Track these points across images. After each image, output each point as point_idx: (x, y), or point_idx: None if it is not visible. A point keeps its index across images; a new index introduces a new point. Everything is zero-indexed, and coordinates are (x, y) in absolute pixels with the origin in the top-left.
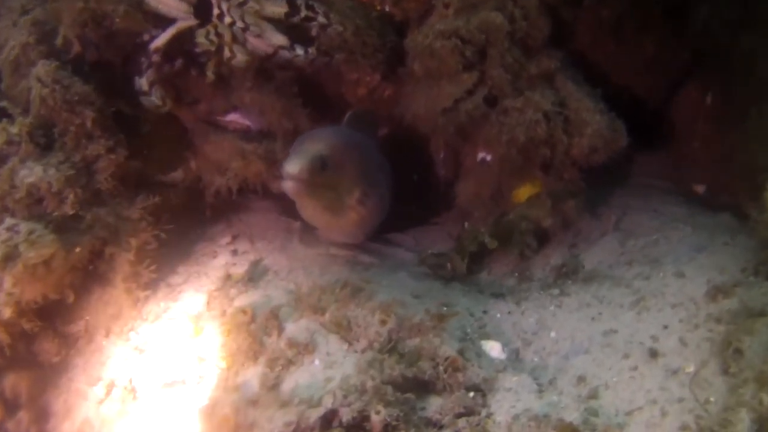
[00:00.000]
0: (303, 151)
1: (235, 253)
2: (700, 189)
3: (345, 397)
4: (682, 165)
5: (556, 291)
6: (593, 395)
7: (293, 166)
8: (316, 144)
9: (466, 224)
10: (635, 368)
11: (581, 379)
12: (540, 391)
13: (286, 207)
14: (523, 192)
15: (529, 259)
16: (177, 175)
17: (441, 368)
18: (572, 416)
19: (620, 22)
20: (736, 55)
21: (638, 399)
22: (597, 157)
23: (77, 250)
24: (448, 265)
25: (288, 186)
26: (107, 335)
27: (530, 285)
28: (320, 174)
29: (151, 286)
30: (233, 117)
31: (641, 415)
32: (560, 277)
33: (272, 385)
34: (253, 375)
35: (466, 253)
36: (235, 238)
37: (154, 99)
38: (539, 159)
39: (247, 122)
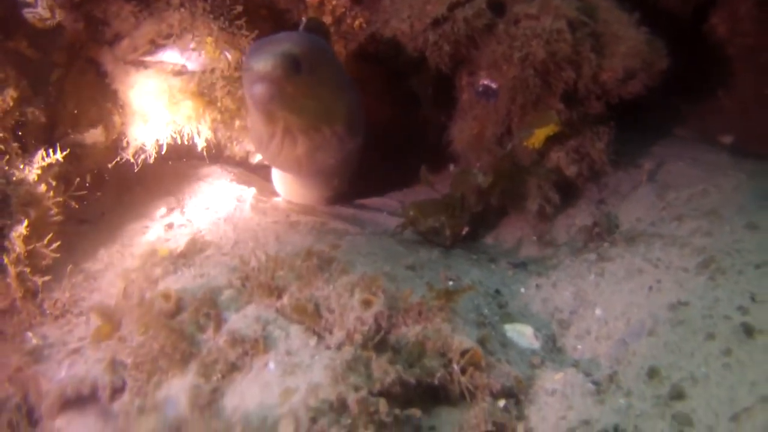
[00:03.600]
0: (269, 50)
1: (170, 227)
2: (727, 139)
3: (313, 420)
4: (707, 112)
5: (592, 256)
6: (678, 395)
7: (262, 63)
8: (281, 44)
9: (452, 167)
10: (728, 352)
11: (654, 372)
12: (598, 392)
13: (240, 175)
14: (540, 132)
15: (549, 218)
16: (96, 132)
17: (456, 367)
18: (657, 429)
19: None
20: None
21: (742, 396)
22: (633, 84)
23: None
24: (446, 229)
25: (258, 90)
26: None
27: (556, 251)
28: (294, 74)
29: (54, 270)
30: (163, 55)
31: (753, 419)
32: (593, 240)
33: (206, 403)
34: (179, 388)
35: (464, 208)
36: (172, 209)
37: (40, 9)
38: (561, 85)
39: (181, 60)
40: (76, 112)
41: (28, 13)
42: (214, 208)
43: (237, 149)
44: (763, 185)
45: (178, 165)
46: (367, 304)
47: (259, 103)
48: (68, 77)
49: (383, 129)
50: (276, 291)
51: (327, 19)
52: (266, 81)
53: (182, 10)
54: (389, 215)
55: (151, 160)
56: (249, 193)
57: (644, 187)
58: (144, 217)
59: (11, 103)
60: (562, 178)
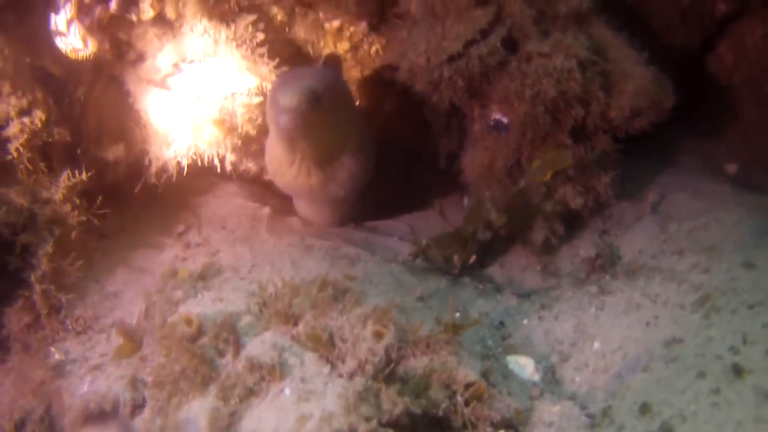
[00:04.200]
0: (295, 85)
1: (187, 245)
2: (731, 168)
3: None
4: (712, 139)
5: (594, 288)
6: (667, 431)
7: (289, 98)
8: (305, 79)
9: (466, 199)
10: (717, 391)
11: (645, 408)
12: (592, 426)
13: (255, 191)
14: (548, 165)
15: (554, 248)
16: (118, 149)
17: (460, 399)
18: None
19: None
20: None
21: None
22: (639, 121)
23: None
24: (455, 257)
25: (284, 121)
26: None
27: (559, 281)
28: (316, 108)
29: (77, 287)
30: (186, 79)
31: None
32: (595, 271)
33: (225, 425)
34: (199, 410)
35: (475, 240)
36: (189, 227)
37: (72, 40)
38: (570, 121)
39: (203, 85)
40: (99, 128)
41: (62, 43)
42: (231, 227)
43: (252, 165)
44: (762, 221)
45: (195, 180)
46: (378, 336)
47: (284, 131)
48: (92, 94)
49: (395, 154)
50: (292, 319)
51: (344, 45)
52: (291, 113)
53: (206, 36)
54: (400, 240)
55: (173, 179)
56: (264, 212)
57: (647, 219)
58: (162, 234)
59: (39, 125)
60: (567, 209)
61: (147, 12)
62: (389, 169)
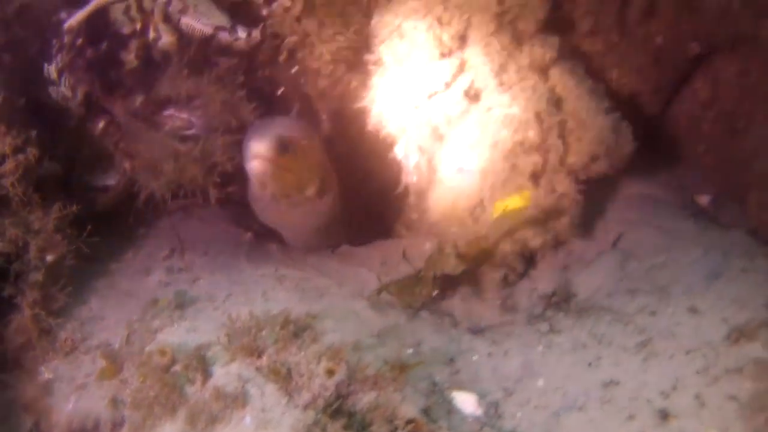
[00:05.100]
0: (265, 132)
1: (170, 270)
2: (704, 200)
3: None
4: (685, 172)
5: (545, 326)
6: None
7: (259, 145)
8: (274, 127)
9: (428, 245)
10: None
11: None
12: None
13: (240, 213)
14: (509, 206)
15: (514, 284)
16: (110, 177)
17: None
18: None
19: (626, 3)
20: (759, 43)
21: None
22: (597, 166)
23: None
24: (418, 290)
25: (254, 166)
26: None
27: (515, 317)
28: (283, 155)
29: (66, 311)
30: (172, 111)
31: None
32: (550, 308)
33: None
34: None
35: (436, 279)
36: (174, 251)
37: (63, 90)
38: (529, 168)
39: (186, 115)
40: (91, 158)
41: (54, 92)
42: (213, 253)
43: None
44: (716, 262)
45: (181, 203)
46: (330, 372)
47: (254, 175)
48: (84, 124)
49: (369, 192)
50: (256, 352)
51: (323, 82)
52: (260, 159)
53: (190, 80)
54: (369, 271)
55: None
56: (246, 237)
57: (607, 255)
58: (149, 258)
59: (33, 160)
60: (527, 249)
61: (130, 63)
62: (361, 202)
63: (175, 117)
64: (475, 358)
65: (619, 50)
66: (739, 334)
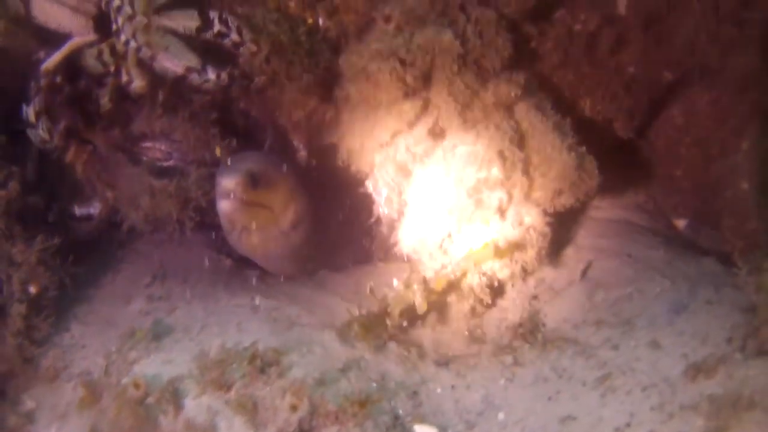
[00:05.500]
0: (234, 169)
1: (150, 298)
2: (680, 223)
3: None
4: (662, 195)
5: (509, 359)
6: None
7: (229, 181)
8: (244, 162)
9: (396, 282)
10: None
11: None
12: None
13: (221, 240)
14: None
15: (481, 314)
16: (92, 206)
17: None
18: None
19: (595, 37)
20: (727, 75)
21: None
22: (563, 200)
23: None
24: (383, 327)
25: (223, 205)
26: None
27: (481, 348)
28: (253, 190)
29: (49, 340)
30: (150, 143)
31: None
32: (516, 339)
33: None
34: None
35: (402, 314)
36: (155, 278)
37: (41, 133)
38: (494, 203)
39: (165, 147)
40: (72, 187)
41: (31, 134)
42: (192, 281)
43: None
44: (682, 294)
45: (163, 234)
46: (293, 408)
47: (223, 215)
48: (65, 156)
49: (346, 219)
50: (225, 386)
51: (299, 114)
52: (229, 197)
53: (164, 118)
54: (342, 300)
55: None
56: (226, 264)
57: (577, 286)
58: (131, 285)
59: (15, 195)
60: (495, 280)
61: (105, 105)
62: (335, 232)
63: (155, 149)
64: (438, 390)
65: (591, 80)
66: (696, 371)
